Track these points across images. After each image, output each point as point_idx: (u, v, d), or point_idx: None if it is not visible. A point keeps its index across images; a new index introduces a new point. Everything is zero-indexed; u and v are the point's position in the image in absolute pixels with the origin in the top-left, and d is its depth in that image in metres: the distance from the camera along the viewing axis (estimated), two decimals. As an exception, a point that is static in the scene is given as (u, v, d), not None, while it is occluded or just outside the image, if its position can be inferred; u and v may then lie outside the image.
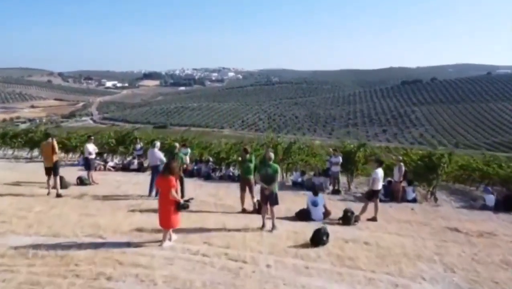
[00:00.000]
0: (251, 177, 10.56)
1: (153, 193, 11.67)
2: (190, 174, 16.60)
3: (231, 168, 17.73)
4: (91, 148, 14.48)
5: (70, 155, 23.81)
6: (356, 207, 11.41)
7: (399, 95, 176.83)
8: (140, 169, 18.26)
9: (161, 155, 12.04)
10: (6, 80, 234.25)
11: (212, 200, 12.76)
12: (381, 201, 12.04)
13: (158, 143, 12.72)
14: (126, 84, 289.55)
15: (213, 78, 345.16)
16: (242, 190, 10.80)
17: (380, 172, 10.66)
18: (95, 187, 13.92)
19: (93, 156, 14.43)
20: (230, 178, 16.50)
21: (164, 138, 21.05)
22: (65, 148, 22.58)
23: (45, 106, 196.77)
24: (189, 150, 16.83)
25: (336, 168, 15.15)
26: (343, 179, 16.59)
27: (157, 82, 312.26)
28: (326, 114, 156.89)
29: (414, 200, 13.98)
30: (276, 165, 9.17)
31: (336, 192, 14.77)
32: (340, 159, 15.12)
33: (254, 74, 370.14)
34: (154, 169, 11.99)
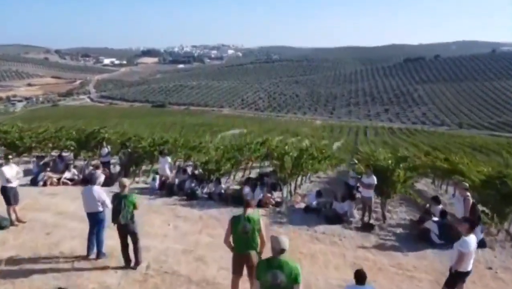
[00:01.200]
0: (252, 253, 5.66)
1: (94, 250, 7.35)
2: (170, 190, 12.61)
3: (222, 185, 12.72)
4: (9, 173, 9.13)
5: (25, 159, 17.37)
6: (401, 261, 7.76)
7: (402, 73, 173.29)
8: (107, 183, 11.78)
9: (104, 196, 7.23)
10: (2, 57, 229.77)
11: (186, 267, 7.15)
12: (434, 245, 8.58)
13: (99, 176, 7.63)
14: (124, 62, 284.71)
15: (213, 56, 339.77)
16: (236, 273, 5.81)
17: (472, 241, 5.74)
18: (12, 234, 8.51)
19: (13, 184, 9.17)
20: (222, 199, 12.02)
21: (137, 139, 17.15)
22: (18, 151, 16.40)
23: (42, 84, 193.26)
24: (169, 159, 13.92)
25: (368, 193, 10.41)
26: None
27: (155, 60, 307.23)
28: (327, 92, 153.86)
29: (482, 244, 8.56)
30: (295, 265, 4.46)
31: (367, 226, 9.97)
32: (375, 179, 10.34)
33: (254, 51, 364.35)
34: (93, 219, 7.32)
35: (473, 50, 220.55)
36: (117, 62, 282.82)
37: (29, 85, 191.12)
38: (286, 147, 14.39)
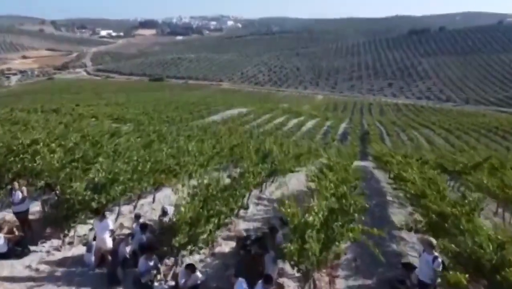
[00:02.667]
0: None
1: None
2: (112, 275, 6.72)
3: (198, 274, 6.61)
4: None
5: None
6: None
7: (405, 45, 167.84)
8: (15, 251, 7.16)
9: None
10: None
11: None
12: None
13: None
14: (121, 33, 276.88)
15: (212, 27, 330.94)
16: None
17: None
18: None
19: None
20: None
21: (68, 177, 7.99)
22: None
23: (37, 57, 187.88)
24: (110, 224, 7.26)
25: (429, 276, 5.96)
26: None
27: (153, 31, 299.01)
28: (328, 66, 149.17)
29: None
30: None
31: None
32: (440, 263, 5.84)
33: (253, 23, 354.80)
34: None
35: (479, 22, 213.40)
36: (114, 34, 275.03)
37: (24, 57, 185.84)
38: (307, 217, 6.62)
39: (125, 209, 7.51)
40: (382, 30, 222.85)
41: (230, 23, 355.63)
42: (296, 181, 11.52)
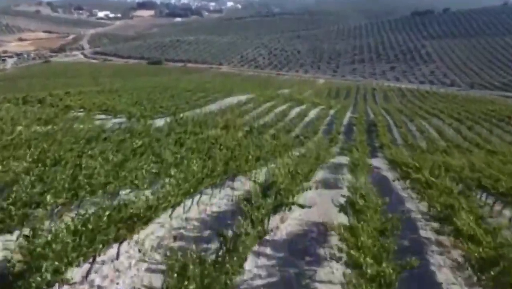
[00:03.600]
0: None
1: None
2: None
3: None
4: None
5: None
6: None
7: (408, 27, 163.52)
8: None
9: None
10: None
11: None
12: None
13: None
14: (119, 15, 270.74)
15: (211, 8, 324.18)
16: None
17: None
18: None
19: None
20: None
21: None
22: None
23: (33, 39, 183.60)
24: None
25: None
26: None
27: (151, 12, 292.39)
28: (330, 48, 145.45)
29: None
30: None
31: None
32: None
33: (254, 4, 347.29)
34: None
35: (484, 3, 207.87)
36: (111, 15, 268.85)
37: (20, 40, 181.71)
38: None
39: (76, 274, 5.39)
40: (385, 12, 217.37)
41: (229, 4, 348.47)
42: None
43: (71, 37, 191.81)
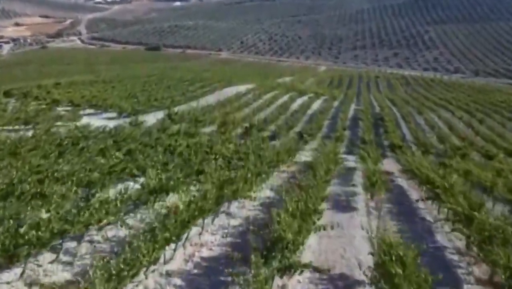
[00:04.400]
0: None
1: None
2: None
3: None
4: None
5: None
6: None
7: (411, 12, 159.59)
8: None
9: None
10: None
11: None
12: None
13: None
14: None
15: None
16: None
17: None
18: None
19: None
20: None
21: None
22: None
23: (30, 24, 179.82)
24: None
25: None
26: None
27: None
28: (331, 34, 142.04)
29: None
30: None
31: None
32: None
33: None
34: None
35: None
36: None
37: (17, 25, 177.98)
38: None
39: None
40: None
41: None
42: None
43: (68, 22, 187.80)
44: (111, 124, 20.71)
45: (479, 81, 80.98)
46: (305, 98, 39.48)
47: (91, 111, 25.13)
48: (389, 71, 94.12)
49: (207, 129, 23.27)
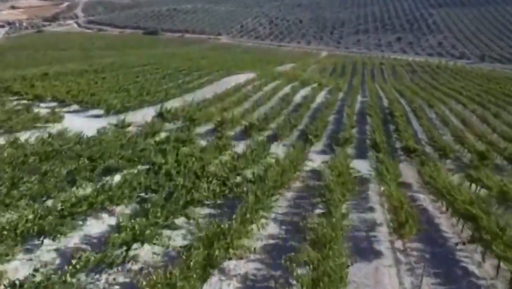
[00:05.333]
0: None
1: None
2: None
3: None
4: None
5: None
6: None
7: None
8: None
9: None
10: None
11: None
12: None
13: None
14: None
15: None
16: None
17: None
18: None
19: None
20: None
21: None
22: None
23: (26, 7, 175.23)
24: None
25: None
26: None
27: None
28: (333, 17, 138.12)
29: None
30: None
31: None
32: None
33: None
34: None
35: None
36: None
37: (12, 7, 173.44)
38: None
39: None
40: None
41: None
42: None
43: (65, 4, 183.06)
44: (96, 124, 18.57)
45: (485, 67, 78.23)
46: (308, 89, 37.11)
47: (77, 108, 22.87)
48: (393, 57, 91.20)
49: (203, 129, 21.12)
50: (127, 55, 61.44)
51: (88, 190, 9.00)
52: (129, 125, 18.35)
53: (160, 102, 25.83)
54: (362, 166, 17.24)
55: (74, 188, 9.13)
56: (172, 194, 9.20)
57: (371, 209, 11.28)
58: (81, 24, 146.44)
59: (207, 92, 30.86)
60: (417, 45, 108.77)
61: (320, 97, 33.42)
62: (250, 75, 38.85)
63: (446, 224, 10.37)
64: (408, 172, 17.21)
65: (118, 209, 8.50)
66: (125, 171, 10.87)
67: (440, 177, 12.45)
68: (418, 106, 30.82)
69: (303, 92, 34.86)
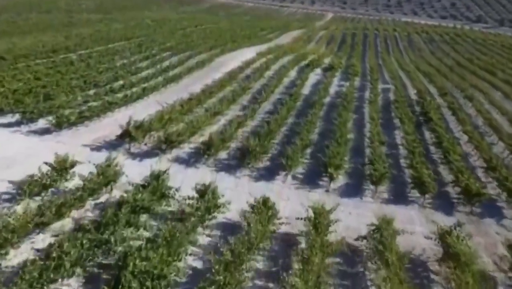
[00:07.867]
0: None
1: None
2: None
3: None
4: None
5: None
6: None
7: None
8: None
9: None
10: None
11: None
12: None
13: None
14: None
15: None
16: None
17: None
18: None
19: None
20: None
21: None
22: None
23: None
24: None
25: None
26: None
27: None
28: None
29: None
30: None
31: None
32: None
33: None
34: None
35: None
36: None
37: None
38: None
39: None
40: None
41: None
42: None
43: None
44: (34, 149, 12.81)
45: (504, 33, 70.44)
46: (318, 71, 30.84)
47: (17, 118, 16.77)
48: (404, 20, 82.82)
49: (182, 153, 15.20)
50: (113, 22, 53.82)
51: None
52: (73, 165, 12.21)
53: (136, 99, 20.06)
54: (405, 218, 11.73)
55: None
56: None
57: None
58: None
59: (195, 82, 24.68)
60: (428, 6, 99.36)
61: (333, 87, 27.08)
62: (249, 55, 32.28)
63: None
64: (485, 245, 11.38)
65: None
66: None
67: None
68: (456, 102, 24.58)
69: (314, 78, 28.50)
